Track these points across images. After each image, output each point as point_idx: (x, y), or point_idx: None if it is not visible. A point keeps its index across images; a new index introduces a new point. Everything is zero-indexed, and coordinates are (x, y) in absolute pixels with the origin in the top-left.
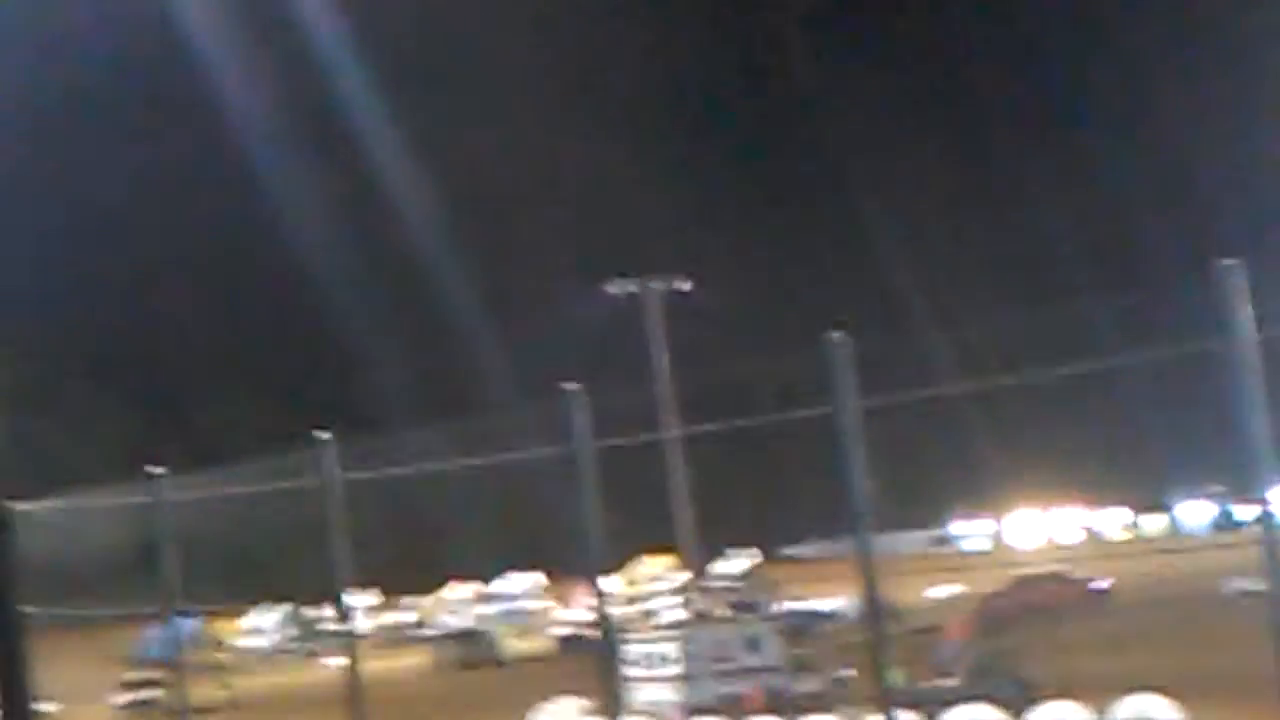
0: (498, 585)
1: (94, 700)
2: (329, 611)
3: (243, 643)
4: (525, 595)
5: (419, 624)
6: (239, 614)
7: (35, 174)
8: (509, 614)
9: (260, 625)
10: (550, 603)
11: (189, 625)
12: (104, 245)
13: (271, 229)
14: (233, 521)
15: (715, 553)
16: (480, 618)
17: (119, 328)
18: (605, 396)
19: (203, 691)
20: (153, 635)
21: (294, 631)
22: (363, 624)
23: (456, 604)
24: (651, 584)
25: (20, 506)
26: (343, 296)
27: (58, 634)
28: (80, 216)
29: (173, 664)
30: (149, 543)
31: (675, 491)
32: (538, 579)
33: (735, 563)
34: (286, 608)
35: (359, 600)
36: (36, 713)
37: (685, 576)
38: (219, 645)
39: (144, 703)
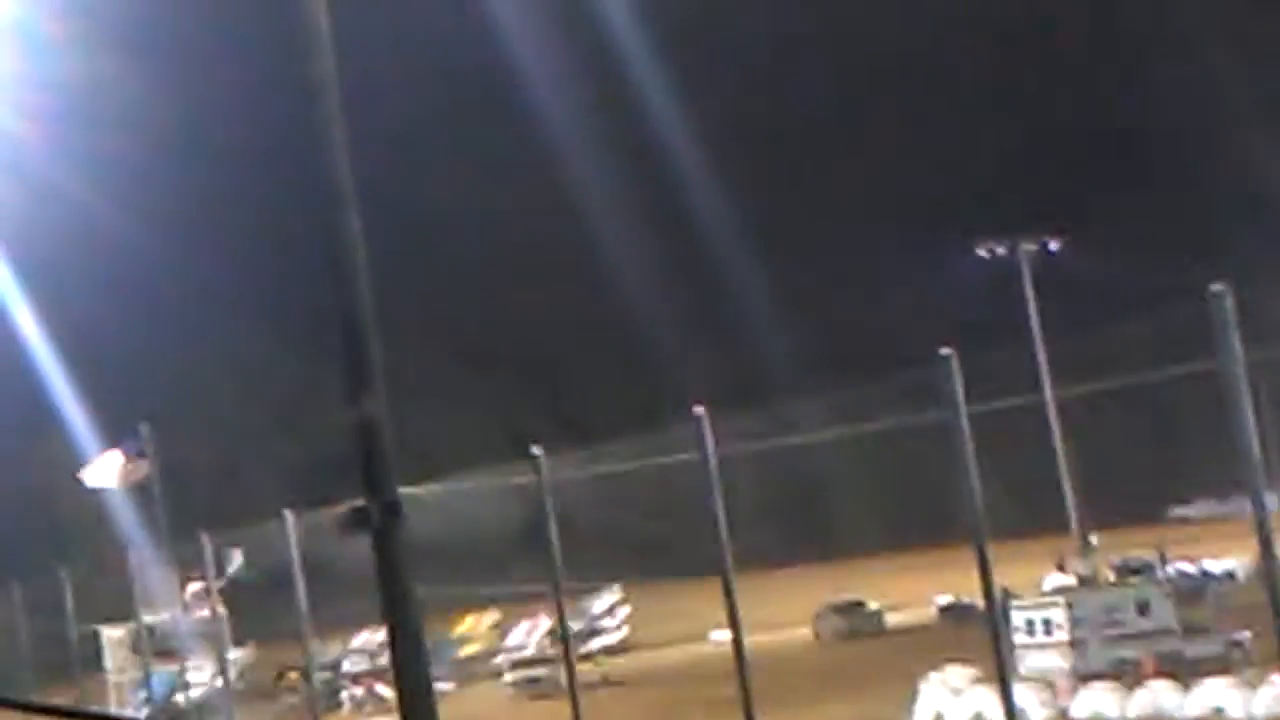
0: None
1: (483, 679)
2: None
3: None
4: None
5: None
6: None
7: (407, 175)
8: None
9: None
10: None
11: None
12: (475, 238)
13: (634, 211)
14: (611, 499)
15: (1099, 519)
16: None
17: (493, 314)
18: (979, 361)
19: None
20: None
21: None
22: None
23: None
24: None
25: (409, 490)
26: (711, 270)
27: (448, 614)
28: (454, 212)
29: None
30: (531, 522)
31: (1056, 457)
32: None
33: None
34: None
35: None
36: (433, 692)
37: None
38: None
39: (532, 680)
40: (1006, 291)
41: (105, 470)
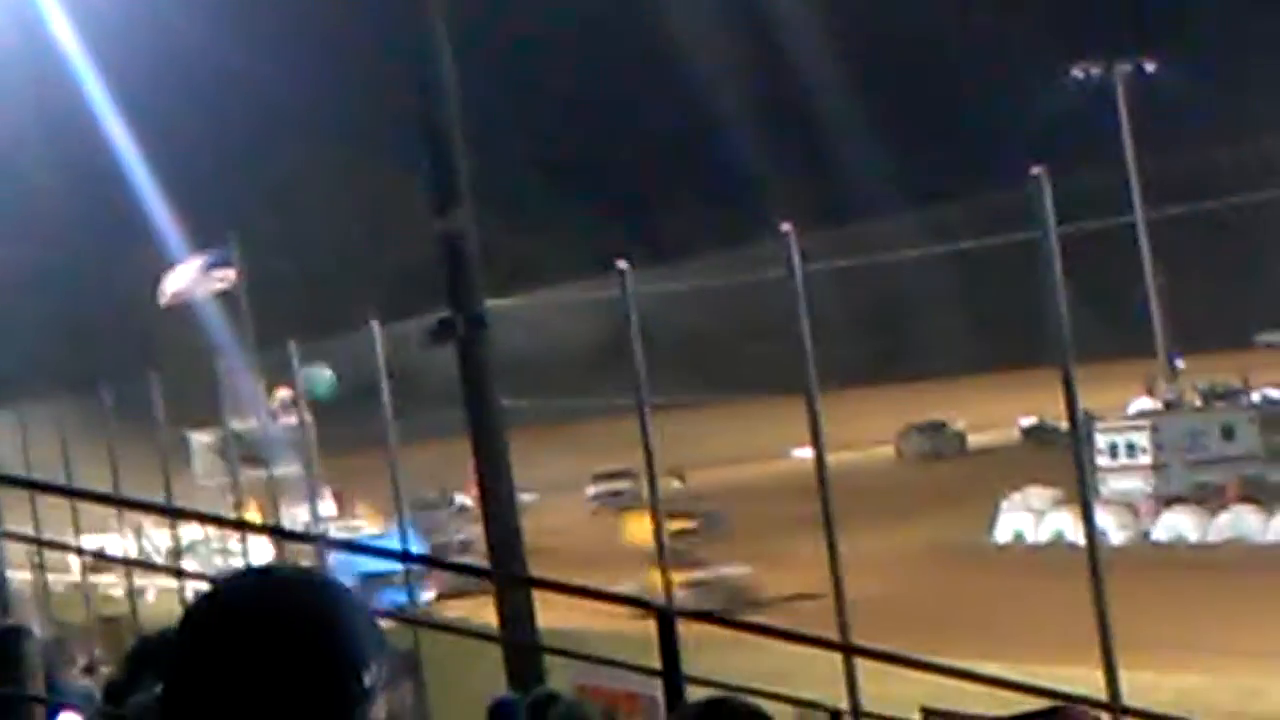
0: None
1: (568, 491)
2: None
3: None
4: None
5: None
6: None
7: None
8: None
9: None
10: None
11: None
12: (568, 54)
13: (726, 34)
14: (697, 316)
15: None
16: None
17: (583, 131)
18: (1071, 183)
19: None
20: None
21: None
22: None
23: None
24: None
25: (494, 303)
26: (802, 94)
27: (532, 427)
28: (546, 29)
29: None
30: (616, 338)
31: (1145, 281)
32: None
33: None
34: None
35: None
36: (516, 502)
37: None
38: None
39: (614, 494)
40: (1101, 114)
41: (189, 279)
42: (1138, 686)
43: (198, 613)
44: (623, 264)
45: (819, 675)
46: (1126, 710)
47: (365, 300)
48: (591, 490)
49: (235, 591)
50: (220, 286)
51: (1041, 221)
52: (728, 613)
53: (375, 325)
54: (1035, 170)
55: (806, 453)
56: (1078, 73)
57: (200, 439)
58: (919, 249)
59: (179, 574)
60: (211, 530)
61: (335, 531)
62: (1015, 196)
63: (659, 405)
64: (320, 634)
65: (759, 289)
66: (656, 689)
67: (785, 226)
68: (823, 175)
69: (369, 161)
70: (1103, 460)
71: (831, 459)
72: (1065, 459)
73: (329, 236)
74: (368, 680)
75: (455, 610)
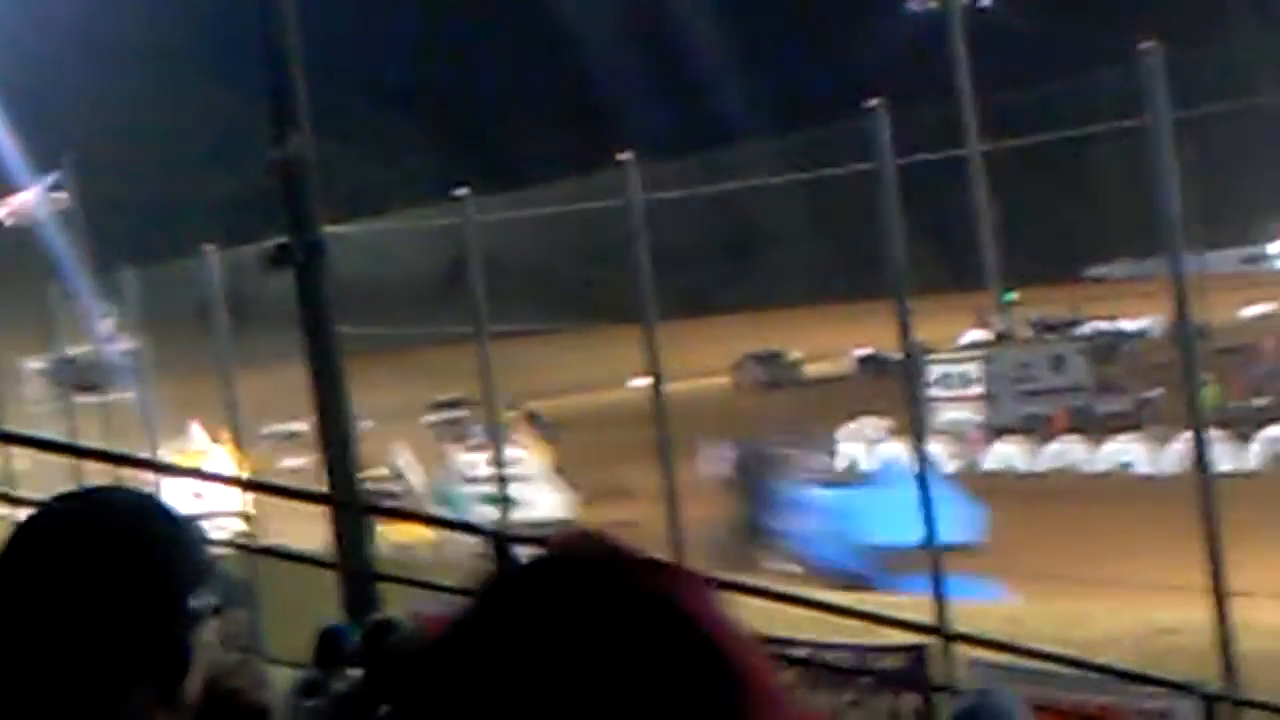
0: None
1: (404, 419)
2: None
3: None
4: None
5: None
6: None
7: None
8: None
9: None
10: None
11: None
12: None
13: None
14: (541, 244)
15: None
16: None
17: (427, 55)
18: (907, 115)
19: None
20: None
21: None
22: None
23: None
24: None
25: (333, 229)
26: (653, 17)
27: (372, 354)
28: None
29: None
30: (456, 265)
31: (979, 213)
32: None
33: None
34: None
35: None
36: (352, 428)
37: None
38: None
39: (450, 422)
40: (936, 47)
41: (27, 201)
42: (962, 613)
43: (15, 534)
44: (462, 191)
45: None
46: (952, 636)
47: (206, 225)
48: (429, 417)
49: (55, 513)
50: (51, 210)
51: (878, 154)
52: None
53: (212, 250)
54: (872, 102)
55: (643, 382)
56: (914, 5)
57: (32, 365)
58: (761, 179)
59: (10, 500)
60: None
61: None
62: (855, 128)
63: (499, 334)
64: (141, 556)
65: (605, 216)
66: None
67: (624, 155)
68: (672, 102)
69: (210, 86)
70: (935, 391)
71: (669, 388)
72: (900, 389)
73: (170, 161)
74: (194, 604)
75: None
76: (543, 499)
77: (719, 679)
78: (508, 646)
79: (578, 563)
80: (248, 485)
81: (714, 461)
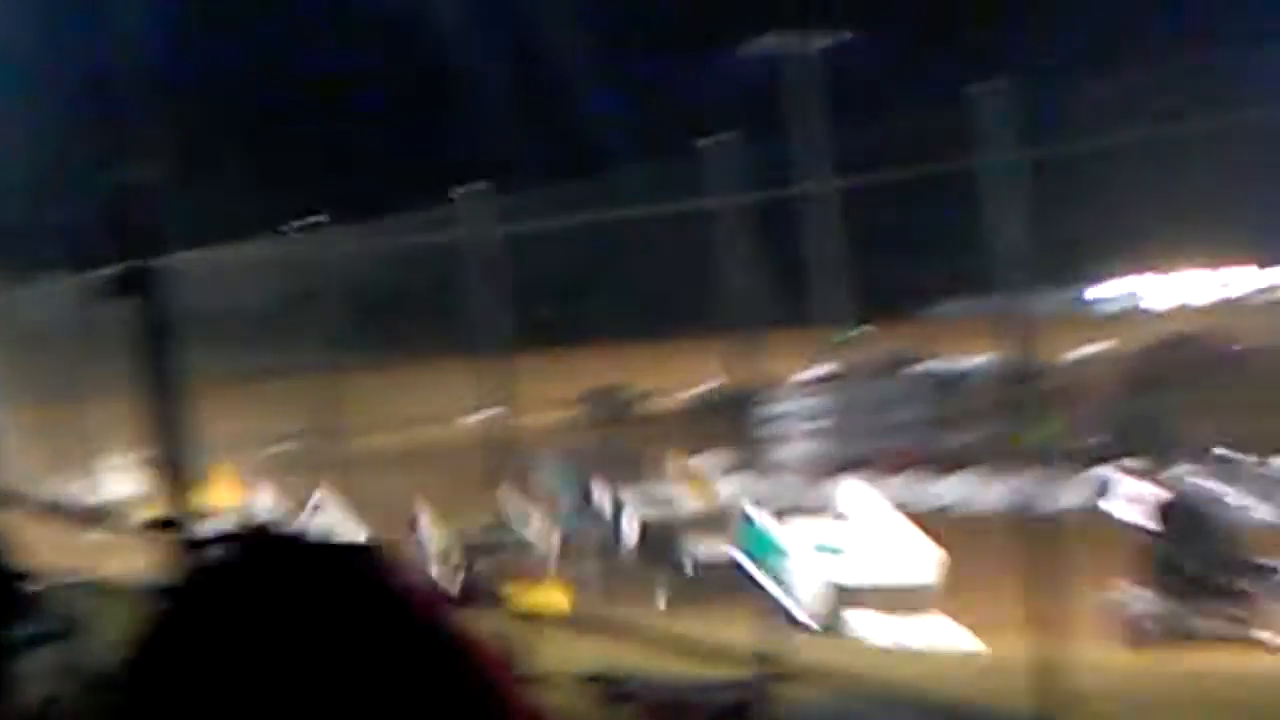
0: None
1: (248, 450)
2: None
3: None
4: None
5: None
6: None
7: None
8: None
9: None
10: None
11: None
12: (261, 3)
13: None
14: (389, 274)
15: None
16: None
17: (283, 84)
18: (754, 150)
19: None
20: None
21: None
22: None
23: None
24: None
25: (178, 257)
26: (485, 55)
27: (213, 385)
28: None
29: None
30: (306, 295)
31: (822, 250)
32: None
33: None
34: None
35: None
36: (193, 465)
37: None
38: None
39: (292, 454)
40: (784, 84)
41: None
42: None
43: None
44: (314, 219)
45: None
46: (784, 673)
47: (47, 252)
48: (273, 450)
49: None
50: None
51: (723, 189)
52: None
53: (55, 277)
54: (713, 140)
55: (481, 414)
56: (762, 43)
57: None
58: (615, 212)
59: None
60: None
61: None
62: (697, 164)
63: (341, 367)
64: None
65: (454, 248)
66: None
67: (458, 191)
68: (528, 135)
69: (50, 110)
70: (775, 426)
71: (506, 422)
72: (741, 425)
73: (13, 186)
74: (12, 636)
75: None
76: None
77: (408, 653)
78: (197, 643)
79: (267, 557)
80: (74, 514)
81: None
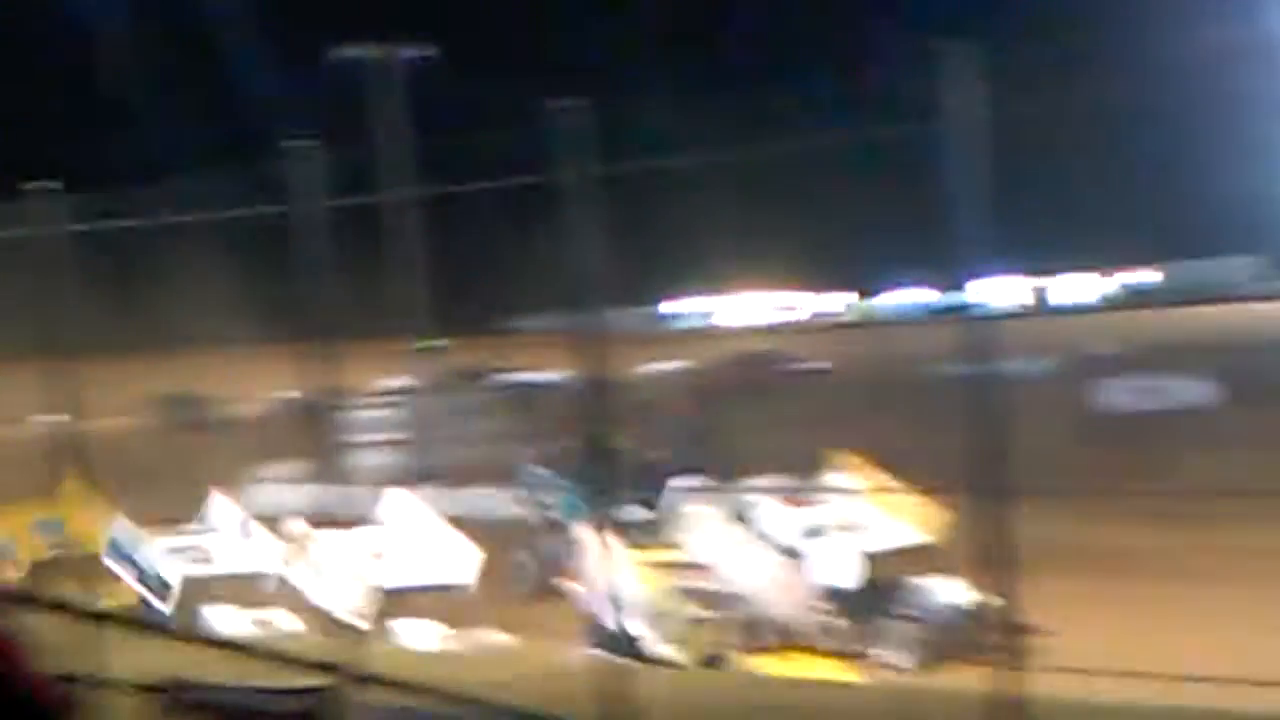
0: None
1: None
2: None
3: None
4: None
5: None
6: None
7: None
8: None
9: None
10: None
11: None
12: None
13: None
14: None
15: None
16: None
17: None
18: (339, 158)
19: None
20: None
21: None
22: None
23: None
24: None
25: None
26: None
27: None
28: None
29: None
30: None
31: (404, 261)
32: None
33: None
34: None
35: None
36: None
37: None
38: None
39: None
40: (376, 93)
41: None
42: (383, 654)
43: None
44: None
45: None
46: (357, 677)
47: None
48: None
49: None
50: None
51: (302, 196)
52: None
53: None
54: (297, 144)
55: (48, 418)
56: (345, 54)
57: None
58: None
59: None
60: None
61: None
62: (279, 168)
63: None
64: None
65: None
66: None
67: (32, 185)
68: (102, 135)
69: None
70: (355, 436)
71: (78, 427)
72: (320, 434)
73: None
74: None
75: None
76: None
77: None
78: None
79: None
80: None
81: None
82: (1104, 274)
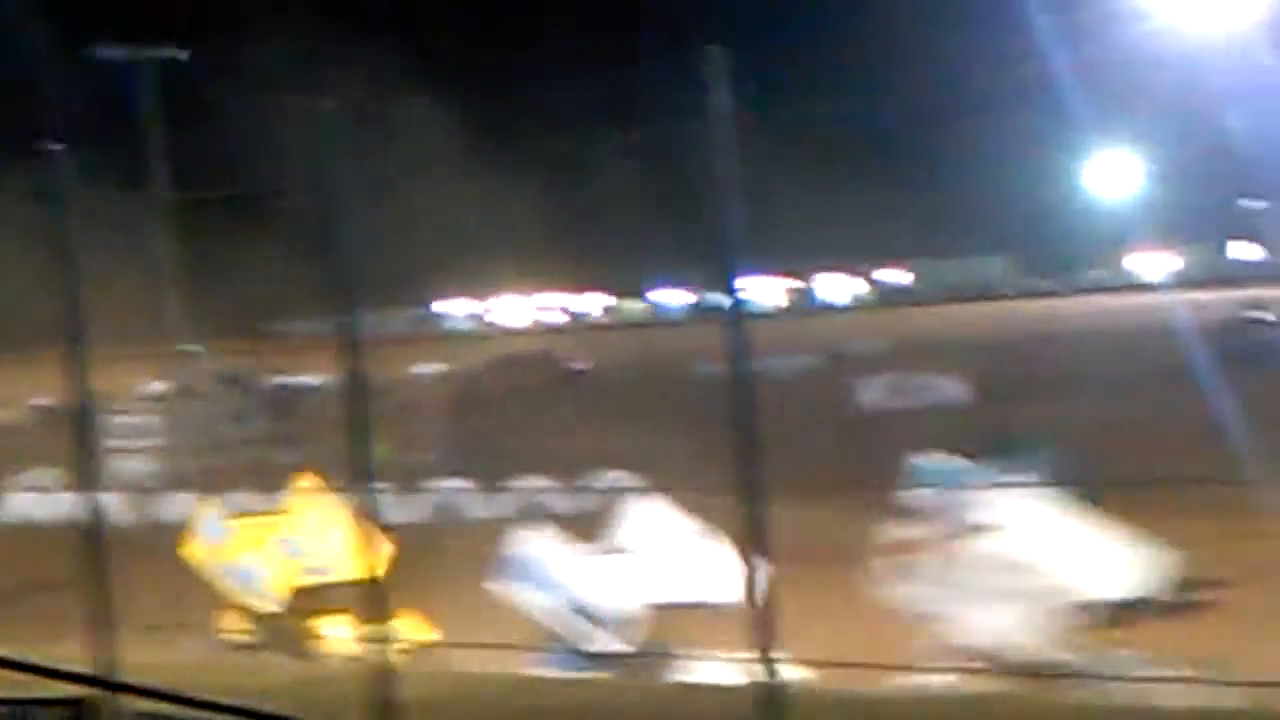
0: None
1: None
2: None
3: None
4: None
5: None
6: None
7: None
8: None
9: None
10: None
11: None
12: None
13: None
14: None
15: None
16: None
17: None
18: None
19: None
20: None
21: None
22: None
23: None
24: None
25: None
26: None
27: None
28: None
29: None
30: None
31: (163, 263)
32: None
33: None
34: None
35: None
36: None
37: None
38: None
39: None
40: (127, 95)
41: None
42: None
43: None
44: None
45: None
46: (114, 686)
47: None
48: None
49: None
50: None
51: (57, 198)
52: None
53: None
54: (52, 146)
55: None
56: (104, 55)
57: None
58: None
59: None
60: None
61: None
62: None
63: None
64: None
65: None
66: None
67: None
68: None
69: None
70: (114, 443)
71: None
72: (74, 440)
73: None
74: None
75: None
76: None
77: None
78: None
79: None
80: None
81: None
82: (858, 274)
